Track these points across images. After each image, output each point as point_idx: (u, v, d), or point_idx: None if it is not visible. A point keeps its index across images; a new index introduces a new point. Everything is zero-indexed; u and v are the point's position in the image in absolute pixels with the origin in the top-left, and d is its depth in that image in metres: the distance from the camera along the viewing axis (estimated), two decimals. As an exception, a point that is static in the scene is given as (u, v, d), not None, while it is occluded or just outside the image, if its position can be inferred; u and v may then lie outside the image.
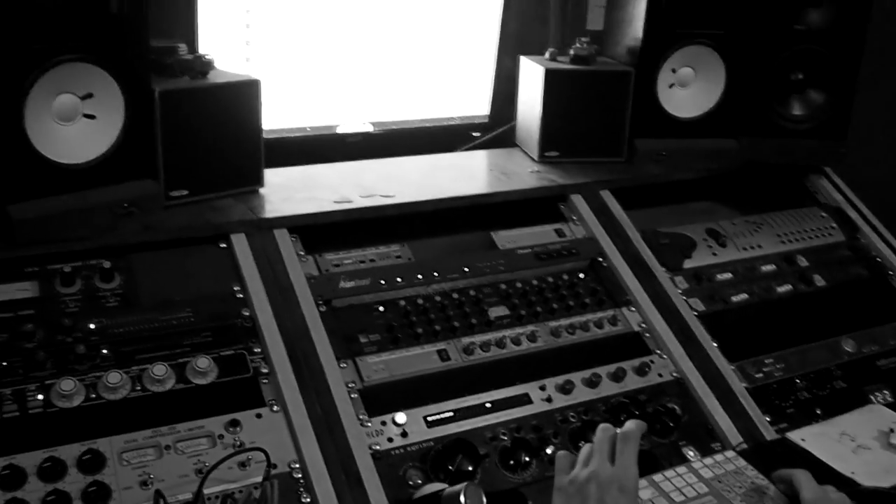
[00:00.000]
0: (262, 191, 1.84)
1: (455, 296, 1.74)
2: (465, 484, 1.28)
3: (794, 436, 1.64)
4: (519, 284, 1.80)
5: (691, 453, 1.61)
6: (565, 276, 1.85)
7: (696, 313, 1.86)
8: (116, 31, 1.55)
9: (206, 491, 1.32)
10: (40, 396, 1.39)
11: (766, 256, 2.04)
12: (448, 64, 2.27)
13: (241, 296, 1.61)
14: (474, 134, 2.36)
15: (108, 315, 1.52)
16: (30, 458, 1.31)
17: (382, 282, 1.69)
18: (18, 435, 1.33)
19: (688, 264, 1.96)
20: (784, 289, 1.99)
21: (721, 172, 2.18)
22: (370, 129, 2.22)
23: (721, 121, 2.16)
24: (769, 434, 1.67)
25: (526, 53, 2.24)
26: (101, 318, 1.51)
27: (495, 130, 2.33)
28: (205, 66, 1.75)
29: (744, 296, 1.94)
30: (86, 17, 1.52)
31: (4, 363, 1.41)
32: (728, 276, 1.96)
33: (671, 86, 2.13)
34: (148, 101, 1.64)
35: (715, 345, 1.81)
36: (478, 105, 2.35)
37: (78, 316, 1.50)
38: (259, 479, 1.36)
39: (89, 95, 1.56)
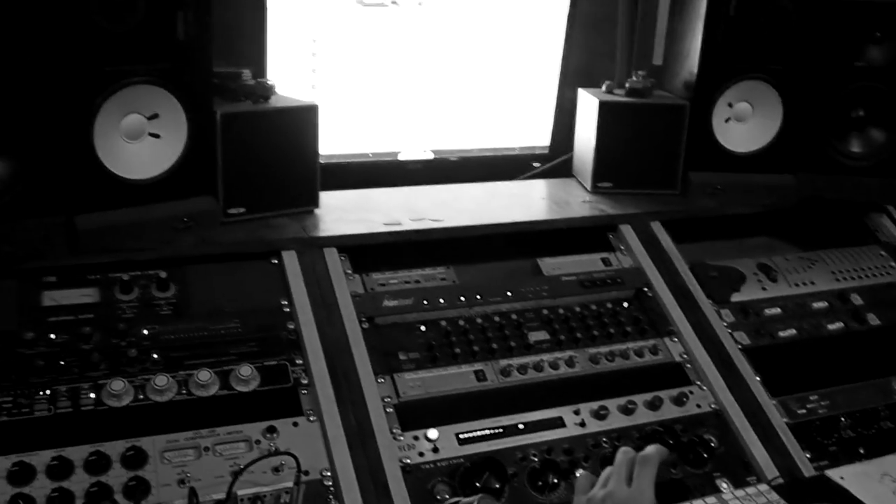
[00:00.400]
0: (317, 211, 1.92)
1: (496, 319, 1.78)
2: (479, 496, 1.31)
3: (833, 474, 1.61)
4: (561, 310, 1.83)
5: (724, 485, 1.60)
6: (609, 305, 1.87)
7: (740, 346, 1.85)
8: (182, 57, 1.66)
9: (239, 492, 1.39)
10: (92, 395, 1.48)
11: (818, 293, 2.02)
12: (510, 95, 2.31)
13: (287, 310, 1.68)
14: (534, 164, 2.40)
15: (161, 322, 1.61)
16: (78, 451, 1.40)
17: (425, 302, 1.74)
18: (69, 429, 1.43)
19: (736, 298, 1.95)
20: (835, 326, 1.96)
21: (778, 208, 2.16)
22: (431, 156, 2.28)
23: (778, 156, 2.15)
24: (808, 471, 1.65)
25: (593, 86, 2.27)
26: (154, 324, 1.60)
27: (554, 161, 2.36)
28: (266, 91, 1.84)
29: (792, 331, 1.92)
30: (154, 43, 1.63)
31: (62, 362, 1.51)
32: (777, 311, 1.95)
33: (727, 120, 2.13)
34: (210, 123, 1.74)
35: (758, 378, 1.80)
36: (539, 136, 2.39)
37: (133, 322, 1.59)
38: (290, 484, 1.42)
39: (155, 116, 1.67)
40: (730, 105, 2.12)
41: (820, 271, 2.07)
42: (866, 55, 2.09)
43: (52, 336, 1.54)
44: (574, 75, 2.39)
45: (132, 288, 1.64)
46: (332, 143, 2.15)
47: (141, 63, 1.63)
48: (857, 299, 2.03)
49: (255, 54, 2.03)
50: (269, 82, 1.85)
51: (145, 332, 1.59)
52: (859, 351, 1.94)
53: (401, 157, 2.26)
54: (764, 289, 1.99)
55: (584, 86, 2.29)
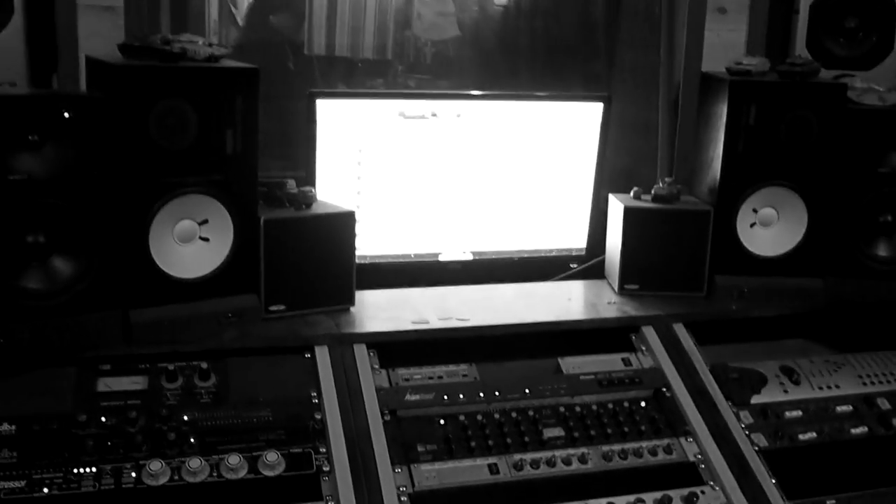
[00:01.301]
0: (352, 309, 2.06)
1: (514, 415, 1.87)
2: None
3: (841, 579, 1.63)
4: (578, 408, 1.90)
5: (728, 585, 1.64)
6: (626, 404, 1.93)
7: (756, 448, 1.88)
8: (231, 169, 1.86)
9: (255, 571, 1.51)
10: (133, 474, 1.63)
11: (843, 397, 2.04)
12: (548, 198, 2.43)
13: (316, 401, 1.81)
14: (572, 265, 2.51)
15: (201, 409, 1.76)
16: (114, 525, 1.55)
17: (445, 397, 1.85)
18: (109, 506, 1.58)
19: (756, 400, 1.99)
20: (859, 430, 1.98)
21: (805, 311, 2.21)
22: (470, 257, 2.42)
23: (805, 260, 2.21)
24: (815, 575, 1.67)
25: (633, 187, 2.37)
26: (194, 411, 1.75)
27: (588, 263, 2.46)
28: (308, 198, 2.02)
29: (812, 434, 1.94)
30: (206, 158, 1.83)
31: (109, 443, 1.67)
32: (797, 413, 1.98)
33: (753, 225, 2.21)
34: (254, 228, 1.92)
35: (773, 481, 1.82)
36: (577, 237, 2.50)
37: (175, 408, 1.75)
38: (303, 565, 1.53)
39: (205, 221, 1.86)
40: (754, 210, 2.20)
41: (846, 375, 2.10)
42: (889, 161, 2.15)
43: (103, 419, 1.71)
44: (615, 176, 2.51)
45: (177, 377, 1.80)
46: (376, 244, 2.31)
47: (194, 175, 1.83)
48: (884, 404, 2.05)
49: (306, 161, 2.22)
50: (310, 191, 2.03)
51: (185, 417, 1.74)
52: (884, 456, 1.94)
53: (441, 258, 2.40)
54: (786, 391, 2.03)
55: (624, 186, 2.39)
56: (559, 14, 3.22)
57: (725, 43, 2.55)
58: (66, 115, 1.69)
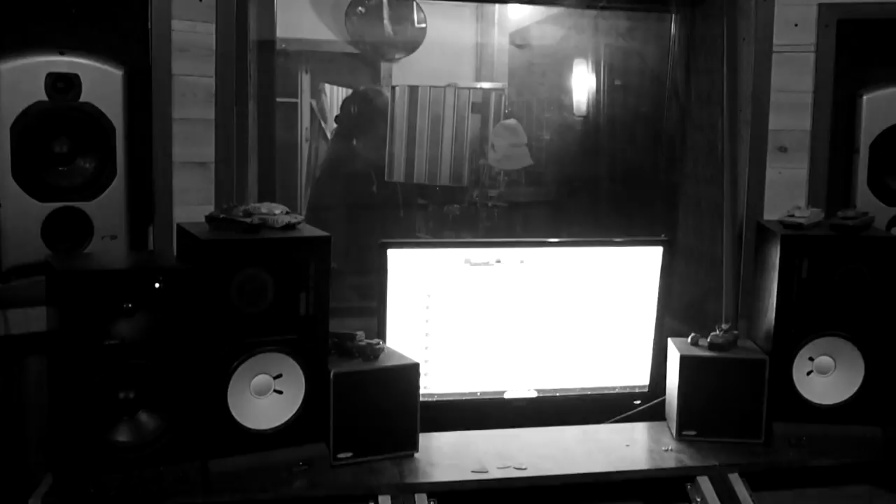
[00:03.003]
0: (416, 454, 2.17)
1: (565, 567, 1.94)
2: None
3: None
4: (629, 561, 1.96)
5: None
6: (678, 557, 1.98)
7: None
8: (304, 329, 2.02)
9: None
10: None
11: (901, 552, 2.04)
12: (611, 337, 2.51)
13: (377, 549, 1.93)
14: (635, 402, 2.56)
15: (269, 557, 1.89)
16: None
17: (499, 548, 1.94)
18: None
19: (809, 553, 2.01)
20: (918, 589, 1.97)
21: (864, 460, 2.21)
22: (534, 395, 2.51)
23: (863, 408, 2.23)
24: None
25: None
26: (263, 559, 1.88)
27: (648, 404, 2.51)
28: (376, 351, 2.16)
29: None
30: (282, 319, 1.99)
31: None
32: (853, 571, 1.99)
33: (809, 373, 2.24)
34: (325, 381, 2.06)
35: None
36: (640, 374, 2.56)
37: (246, 556, 1.89)
38: None
39: (279, 375, 2.02)
40: (811, 359, 2.24)
41: (906, 528, 2.10)
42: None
43: (181, 563, 1.86)
44: (683, 308, 2.56)
45: (250, 524, 1.94)
46: (445, 383, 2.43)
47: (270, 335, 1.99)
48: (945, 560, 2.04)
49: (378, 304, 2.35)
50: (378, 343, 2.17)
51: (254, 563, 1.87)
52: None
53: (506, 396, 2.49)
54: (841, 546, 2.04)
55: (692, 319, 2.45)
56: (627, 148, 3.35)
57: (787, 180, 2.61)
58: (157, 285, 1.87)
